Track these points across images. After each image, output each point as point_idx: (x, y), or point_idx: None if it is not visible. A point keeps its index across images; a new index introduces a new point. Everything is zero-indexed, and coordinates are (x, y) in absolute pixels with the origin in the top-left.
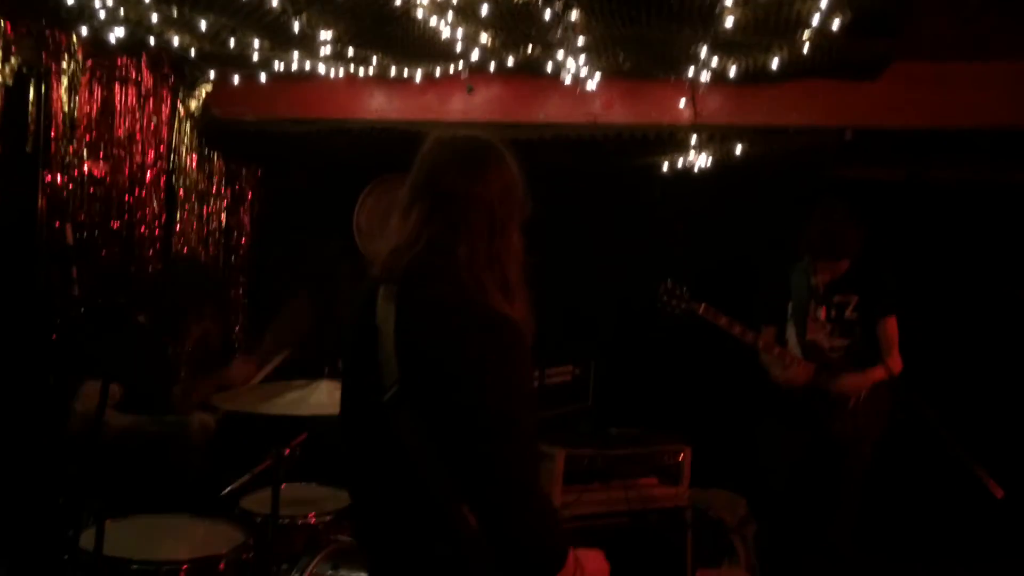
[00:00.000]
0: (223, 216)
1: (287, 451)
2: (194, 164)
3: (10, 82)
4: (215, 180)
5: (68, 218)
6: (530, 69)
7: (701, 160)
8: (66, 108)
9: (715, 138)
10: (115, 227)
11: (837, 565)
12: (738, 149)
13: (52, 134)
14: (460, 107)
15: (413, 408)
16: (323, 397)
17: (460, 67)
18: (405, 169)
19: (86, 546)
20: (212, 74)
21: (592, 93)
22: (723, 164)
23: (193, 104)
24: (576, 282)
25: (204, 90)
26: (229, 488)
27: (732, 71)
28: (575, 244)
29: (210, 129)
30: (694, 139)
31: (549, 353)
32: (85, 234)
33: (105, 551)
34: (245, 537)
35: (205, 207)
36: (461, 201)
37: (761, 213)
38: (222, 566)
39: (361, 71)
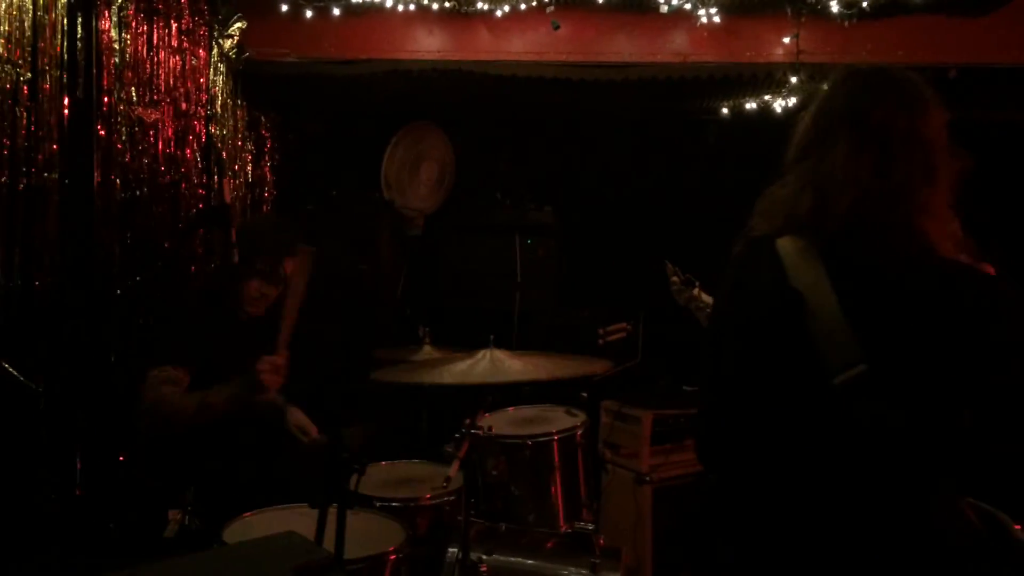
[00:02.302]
0: (248, 169)
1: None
2: (229, 111)
3: (63, 15)
4: (240, 129)
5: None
6: (620, 5)
7: (781, 102)
8: (116, 47)
9: (816, 77)
10: (164, 182)
11: None
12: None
13: (104, 77)
14: (527, 46)
15: (889, 391)
16: (488, 366)
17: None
18: (453, 114)
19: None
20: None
21: (681, 31)
22: (801, 106)
23: (227, 44)
24: (632, 232)
25: (238, 28)
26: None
27: (865, 3)
28: (632, 192)
29: (247, 71)
30: (794, 79)
31: (602, 309)
32: (137, 192)
33: None
34: (404, 528)
35: (236, 160)
36: (901, 139)
37: None
38: (393, 560)
39: (435, 6)
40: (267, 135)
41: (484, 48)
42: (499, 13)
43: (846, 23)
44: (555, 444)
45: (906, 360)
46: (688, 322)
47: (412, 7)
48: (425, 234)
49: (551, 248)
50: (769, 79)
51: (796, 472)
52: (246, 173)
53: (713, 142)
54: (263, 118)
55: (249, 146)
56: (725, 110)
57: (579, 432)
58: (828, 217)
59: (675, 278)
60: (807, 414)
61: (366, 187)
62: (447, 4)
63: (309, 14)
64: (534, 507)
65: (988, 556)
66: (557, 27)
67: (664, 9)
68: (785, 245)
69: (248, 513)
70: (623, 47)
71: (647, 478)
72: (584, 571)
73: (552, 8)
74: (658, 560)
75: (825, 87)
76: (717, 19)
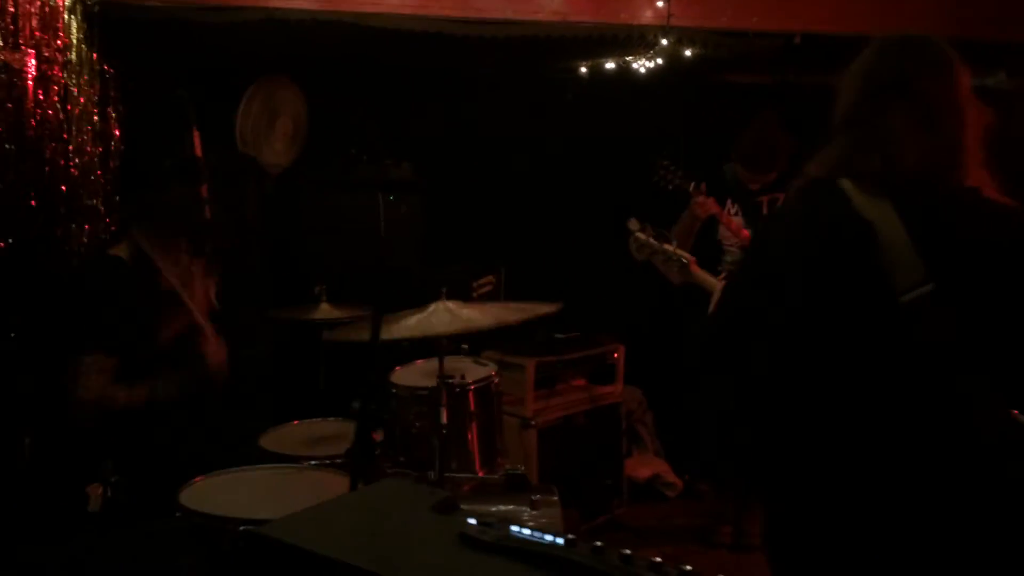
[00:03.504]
0: (95, 121)
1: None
2: (83, 60)
3: None
4: (95, 80)
5: None
6: None
7: (648, 64)
8: None
9: (682, 40)
10: (30, 136)
11: None
12: (688, 52)
13: None
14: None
15: (954, 306)
16: (447, 316)
17: None
18: (308, 67)
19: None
20: None
21: None
22: (667, 67)
23: None
24: (490, 186)
25: None
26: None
27: None
28: (489, 147)
29: (103, 15)
30: (664, 41)
31: (470, 263)
32: (7, 146)
33: (212, 510)
34: (347, 478)
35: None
36: (942, 103)
37: (653, 115)
38: None
39: None
40: (111, 86)
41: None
42: None
43: None
44: (471, 394)
45: (968, 283)
46: (548, 272)
47: None
48: (278, 190)
49: (413, 204)
50: (641, 40)
51: (854, 384)
52: (93, 126)
53: (571, 99)
54: (105, 66)
55: (94, 97)
56: (584, 69)
57: (494, 381)
58: (899, 171)
59: (640, 234)
60: (872, 330)
61: (217, 142)
62: None
63: None
64: (455, 455)
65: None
66: None
67: None
68: (847, 185)
69: (199, 478)
70: (504, 5)
71: (532, 422)
72: (525, 507)
73: None
74: None
75: (863, 58)
76: None
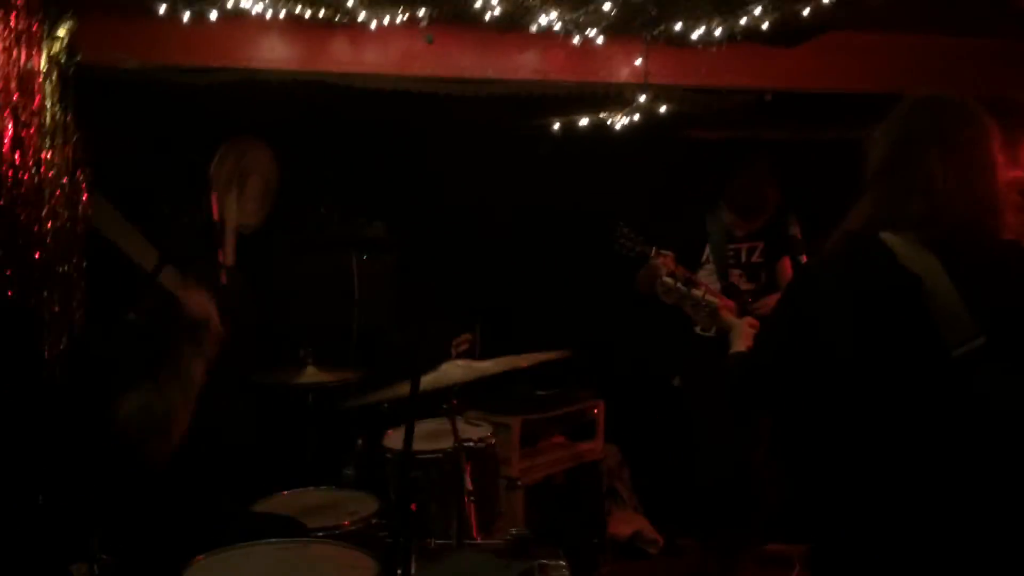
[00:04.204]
0: (65, 184)
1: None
2: (57, 123)
3: None
4: (68, 143)
5: None
6: (487, 23)
7: (624, 120)
8: None
9: (660, 97)
10: (4, 202)
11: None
12: (663, 108)
13: None
14: (387, 59)
15: (1004, 361)
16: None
17: (421, 15)
18: (278, 127)
19: None
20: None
21: (539, 50)
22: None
23: (56, 47)
24: (463, 244)
25: (67, 29)
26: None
27: (695, 35)
28: (462, 204)
29: (77, 76)
30: (643, 98)
31: (447, 321)
32: None
33: None
34: (376, 563)
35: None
36: (980, 154)
37: (624, 170)
38: None
39: (307, 14)
40: (78, 147)
41: (342, 60)
42: (369, 24)
43: (706, 48)
44: (469, 456)
45: (1018, 333)
46: (523, 329)
47: (269, 14)
48: (249, 250)
49: (388, 263)
50: (619, 97)
51: (912, 439)
52: (63, 188)
53: (545, 154)
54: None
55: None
56: (557, 125)
57: (491, 441)
58: (941, 219)
59: (668, 279)
60: (925, 384)
61: (189, 202)
62: (307, 14)
63: (160, 11)
64: (454, 519)
65: None
66: (431, 40)
67: (533, 29)
68: (889, 239)
69: (199, 557)
70: (484, 63)
71: (518, 482)
72: (534, 573)
73: (425, 23)
74: None
75: (896, 114)
76: (575, 41)
